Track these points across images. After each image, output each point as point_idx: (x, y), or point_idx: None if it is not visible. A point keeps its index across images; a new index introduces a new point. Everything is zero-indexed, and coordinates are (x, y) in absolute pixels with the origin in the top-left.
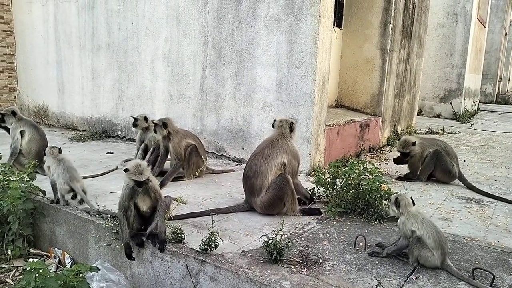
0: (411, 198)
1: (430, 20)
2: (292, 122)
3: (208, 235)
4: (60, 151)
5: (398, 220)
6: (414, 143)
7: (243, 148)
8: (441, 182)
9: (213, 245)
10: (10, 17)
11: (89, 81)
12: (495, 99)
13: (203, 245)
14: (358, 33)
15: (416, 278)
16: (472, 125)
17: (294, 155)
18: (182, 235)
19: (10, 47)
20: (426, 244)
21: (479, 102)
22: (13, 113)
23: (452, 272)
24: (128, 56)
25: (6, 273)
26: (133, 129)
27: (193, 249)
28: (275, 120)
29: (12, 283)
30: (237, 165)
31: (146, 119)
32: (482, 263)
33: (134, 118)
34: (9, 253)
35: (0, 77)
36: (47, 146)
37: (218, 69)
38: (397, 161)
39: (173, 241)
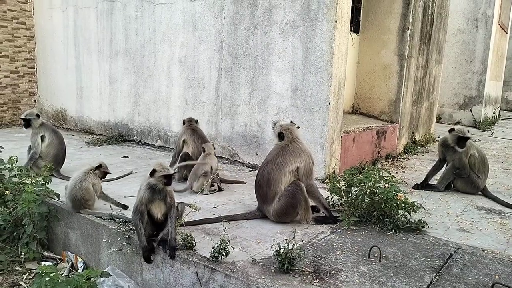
0: None
1: (450, 26)
2: (298, 126)
3: (219, 243)
4: (95, 168)
5: None
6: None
7: (257, 154)
8: (460, 192)
9: (223, 253)
10: (32, 23)
11: (107, 86)
12: None
13: (213, 252)
14: (376, 39)
15: None
16: (492, 133)
17: (307, 155)
18: (193, 242)
19: (31, 52)
20: None
21: (500, 109)
22: (38, 116)
23: None
24: (145, 62)
25: (19, 276)
26: None
27: (204, 256)
28: (274, 124)
29: (25, 285)
30: (250, 171)
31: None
32: (503, 278)
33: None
34: (23, 255)
35: (21, 81)
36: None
37: (233, 75)
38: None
39: (183, 247)
